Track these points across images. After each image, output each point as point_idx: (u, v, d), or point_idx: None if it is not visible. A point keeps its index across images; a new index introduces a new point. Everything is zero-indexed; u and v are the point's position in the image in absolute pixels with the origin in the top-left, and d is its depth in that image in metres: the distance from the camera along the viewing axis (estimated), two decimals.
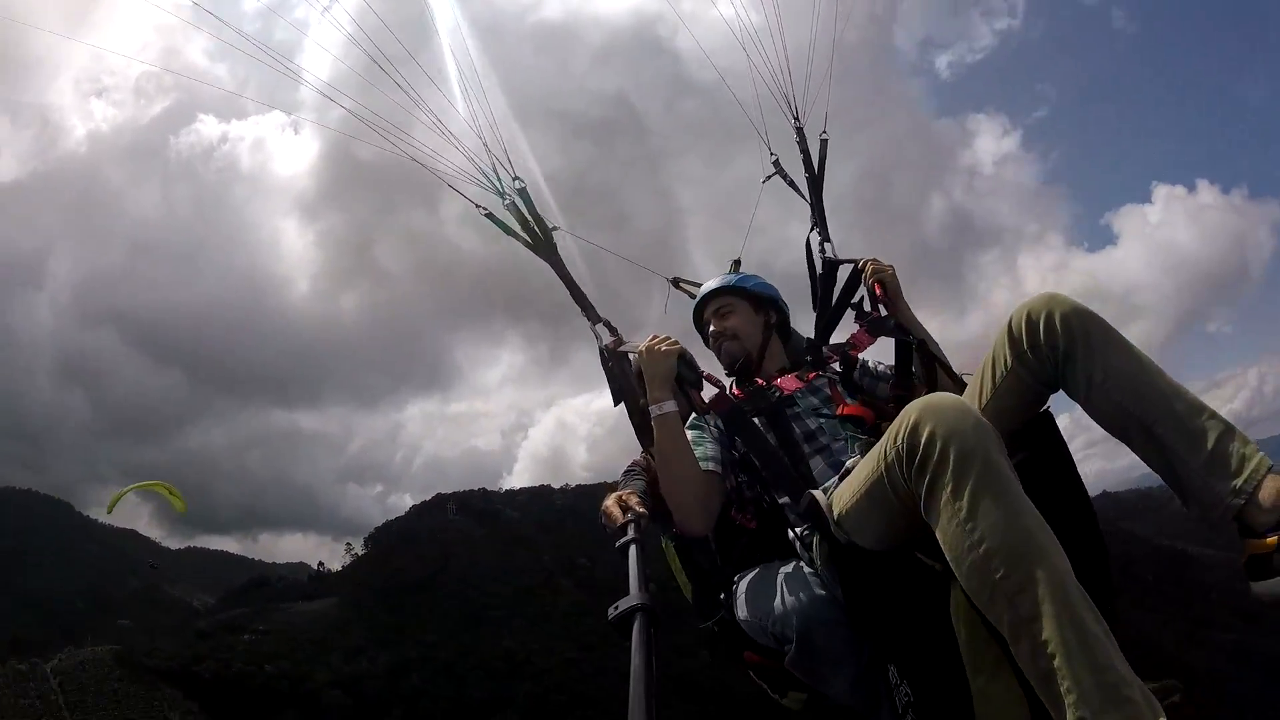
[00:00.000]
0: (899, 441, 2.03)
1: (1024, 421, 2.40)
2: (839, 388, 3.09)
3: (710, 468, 2.94)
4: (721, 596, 3.03)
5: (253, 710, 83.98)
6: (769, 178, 4.48)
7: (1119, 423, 2.19)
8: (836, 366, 3.22)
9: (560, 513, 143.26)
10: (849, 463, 2.71)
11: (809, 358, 3.36)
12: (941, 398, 2.05)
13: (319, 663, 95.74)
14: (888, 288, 3.32)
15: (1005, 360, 2.36)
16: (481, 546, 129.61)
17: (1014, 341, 2.33)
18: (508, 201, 3.72)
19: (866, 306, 3.40)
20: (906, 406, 2.08)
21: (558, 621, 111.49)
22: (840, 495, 2.39)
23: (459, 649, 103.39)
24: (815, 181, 4.32)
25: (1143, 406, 2.14)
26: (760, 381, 3.14)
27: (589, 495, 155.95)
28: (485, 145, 3.84)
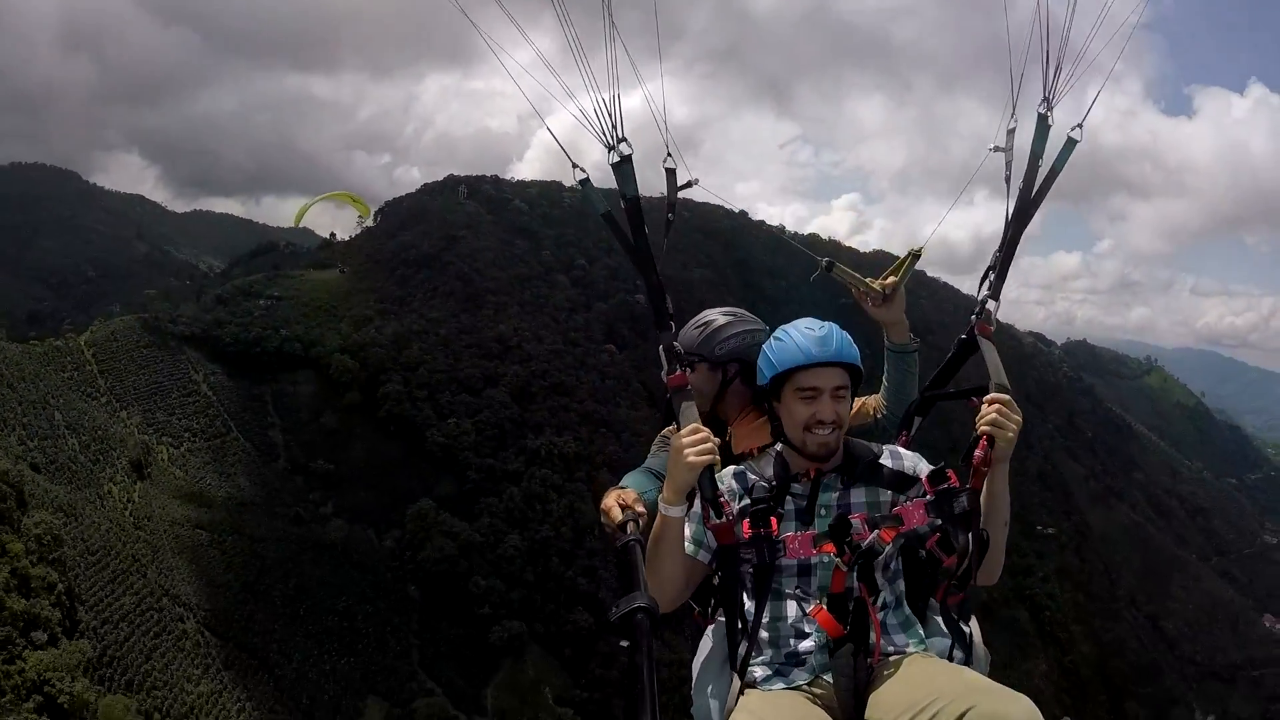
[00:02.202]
0: None
1: None
2: (845, 572, 2.75)
3: (700, 557, 2.89)
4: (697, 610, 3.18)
5: (269, 371, 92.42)
6: (995, 150, 3.31)
7: None
8: (861, 543, 2.74)
9: (566, 211, 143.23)
10: (802, 646, 2.77)
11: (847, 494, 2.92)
12: None
13: (329, 329, 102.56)
14: (995, 449, 2.74)
15: None
16: (487, 232, 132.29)
17: None
18: (615, 159, 2.84)
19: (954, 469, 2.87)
20: None
21: (550, 313, 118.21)
22: (737, 717, 2.59)
23: (457, 327, 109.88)
24: (1028, 202, 3.20)
25: None
26: (774, 526, 2.80)
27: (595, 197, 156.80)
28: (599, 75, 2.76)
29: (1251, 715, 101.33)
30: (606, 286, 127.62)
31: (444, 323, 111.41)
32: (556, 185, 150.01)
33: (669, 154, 2.95)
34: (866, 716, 2.58)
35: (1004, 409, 2.76)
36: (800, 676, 2.72)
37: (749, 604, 2.83)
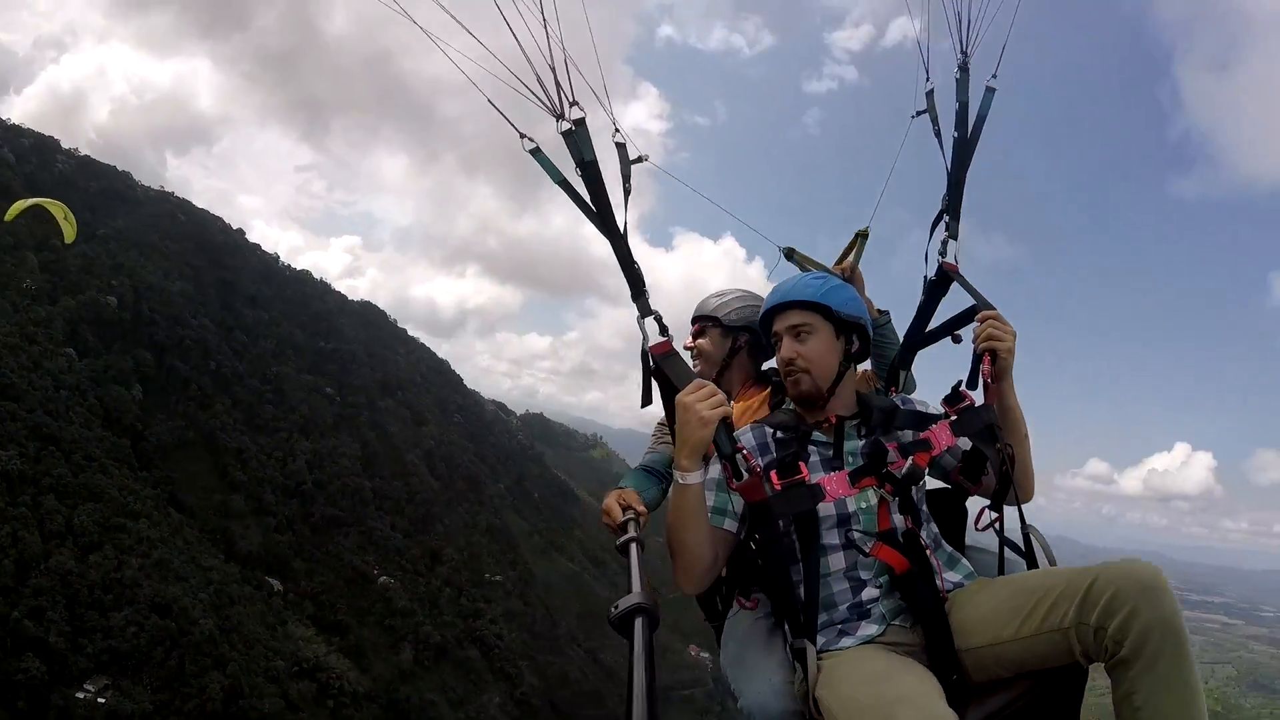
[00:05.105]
0: None
1: (1048, 665, 2.33)
2: (889, 505, 2.65)
3: (726, 526, 2.69)
4: (719, 605, 3.06)
5: None
6: (918, 114, 3.37)
7: None
8: (899, 472, 2.66)
9: (56, 178, 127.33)
10: (865, 595, 2.60)
11: (869, 444, 2.77)
12: None
13: None
14: (998, 362, 2.72)
15: (1067, 614, 2.22)
16: None
17: (1085, 608, 2.18)
18: (564, 128, 2.74)
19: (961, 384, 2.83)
20: None
21: (10, 298, 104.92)
22: (829, 683, 2.34)
23: None
24: (963, 146, 3.27)
25: None
26: (804, 472, 2.57)
27: (93, 171, 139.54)
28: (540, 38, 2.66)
29: None
30: (79, 279, 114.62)
31: None
32: (53, 143, 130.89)
33: (616, 129, 2.89)
34: (959, 647, 2.44)
35: (996, 322, 2.77)
36: (869, 629, 2.55)
37: (794, 565, 2.59)
